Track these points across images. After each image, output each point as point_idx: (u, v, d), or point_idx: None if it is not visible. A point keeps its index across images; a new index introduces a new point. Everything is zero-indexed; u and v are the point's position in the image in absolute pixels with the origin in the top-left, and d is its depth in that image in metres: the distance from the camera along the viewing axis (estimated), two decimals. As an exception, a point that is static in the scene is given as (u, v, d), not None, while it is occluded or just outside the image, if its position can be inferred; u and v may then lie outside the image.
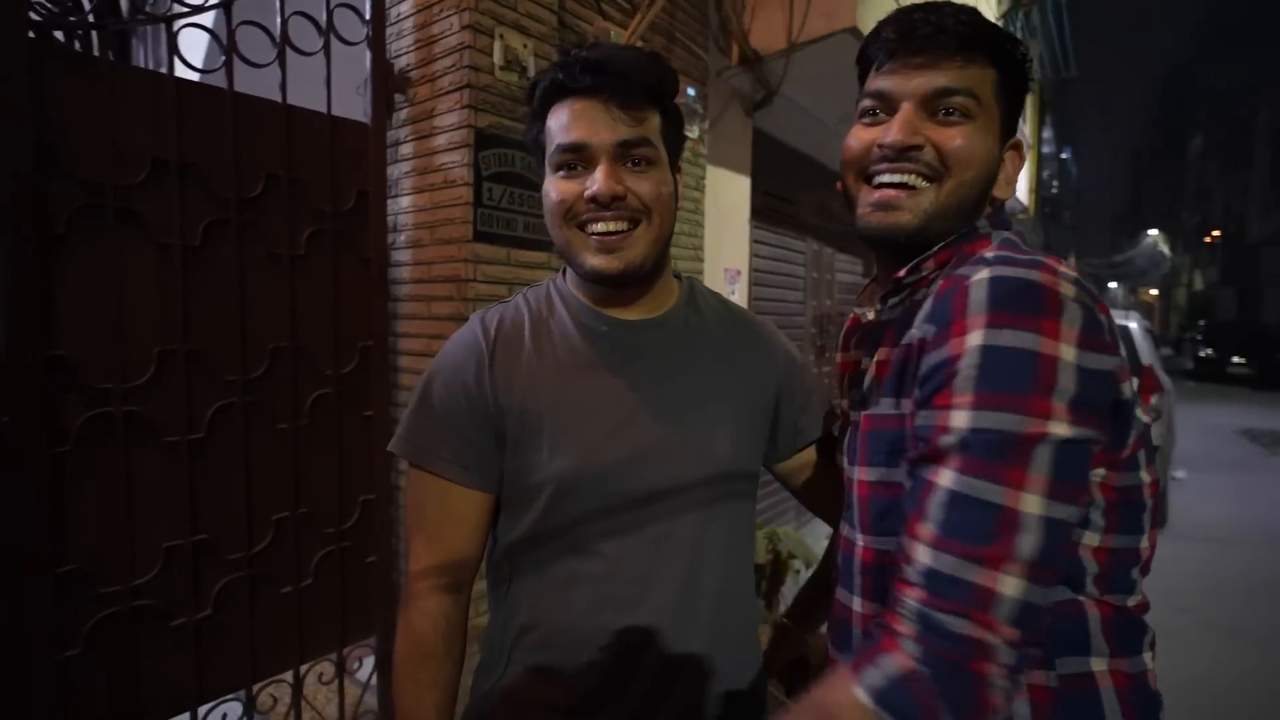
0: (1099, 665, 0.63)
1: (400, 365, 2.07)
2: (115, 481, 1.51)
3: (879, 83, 0.72)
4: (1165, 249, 46.72)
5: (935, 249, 0.71)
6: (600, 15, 2.28)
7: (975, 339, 0.55)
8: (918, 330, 0.64)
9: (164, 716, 1.63)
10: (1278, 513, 5.42)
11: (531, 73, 1.96)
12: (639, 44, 2.29)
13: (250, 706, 1.77)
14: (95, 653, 1.49)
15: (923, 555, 0.55)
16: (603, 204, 0.77)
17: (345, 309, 1.89)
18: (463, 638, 0.85)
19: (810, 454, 1.00)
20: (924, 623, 0.53)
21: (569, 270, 0.89)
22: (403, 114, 2.01)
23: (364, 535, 1.97)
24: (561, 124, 0.79)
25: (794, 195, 4.72)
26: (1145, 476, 0.65)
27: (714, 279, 3.24)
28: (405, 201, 2.03)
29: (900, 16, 0.71)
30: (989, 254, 0.64)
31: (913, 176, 0.69)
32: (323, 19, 1.81)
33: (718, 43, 3.08)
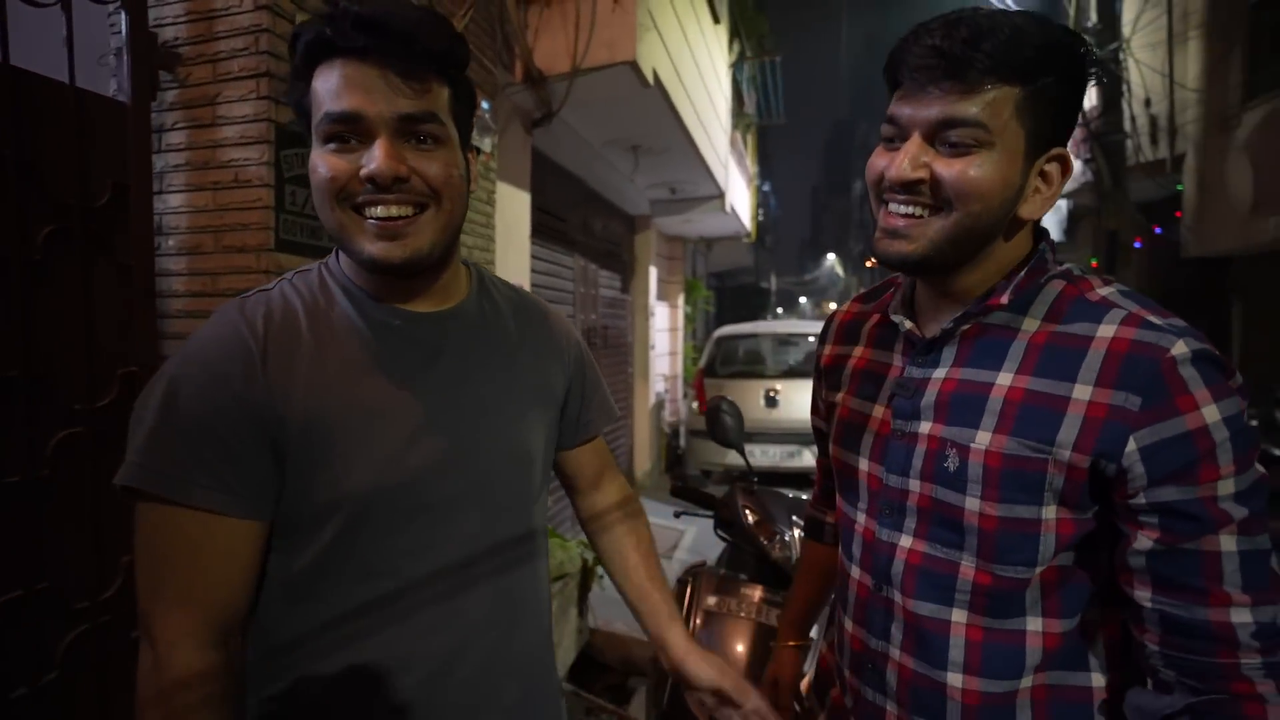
0: None
1: (170, 394, 1.72)
2: None
3: (894, 107, 0.71)
4: (840, 270, 56.75)
5: (1020, 276, 0.73)
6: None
7: (1212, 414, 0.62)
8: (1086, 389, 0.66)
9: None
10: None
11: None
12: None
13: None
14: None
15: (1245, 616, 0.62)
16: (382, 186, 0.68)
17: (101, 328, 1.52)
18: (239, 694, 0.73)
19: (586, 448, 1.00)
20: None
21: (343, 256, 0.78)
22: (171, 96, 1.69)
23: (129, 606, 1.59)
24: (330, 89, 0.67)
25: (564, 213, 4.87)
26: None
27: (506, 293, 3.20)
28: (177, 200, 1.69)
29: (918, 32, 0.68)
30: (1137, 311, 0.67)
31: (918, 207, 0.70)
32: (59, -33, 1.45)
33: (501, 58, 3.07)
